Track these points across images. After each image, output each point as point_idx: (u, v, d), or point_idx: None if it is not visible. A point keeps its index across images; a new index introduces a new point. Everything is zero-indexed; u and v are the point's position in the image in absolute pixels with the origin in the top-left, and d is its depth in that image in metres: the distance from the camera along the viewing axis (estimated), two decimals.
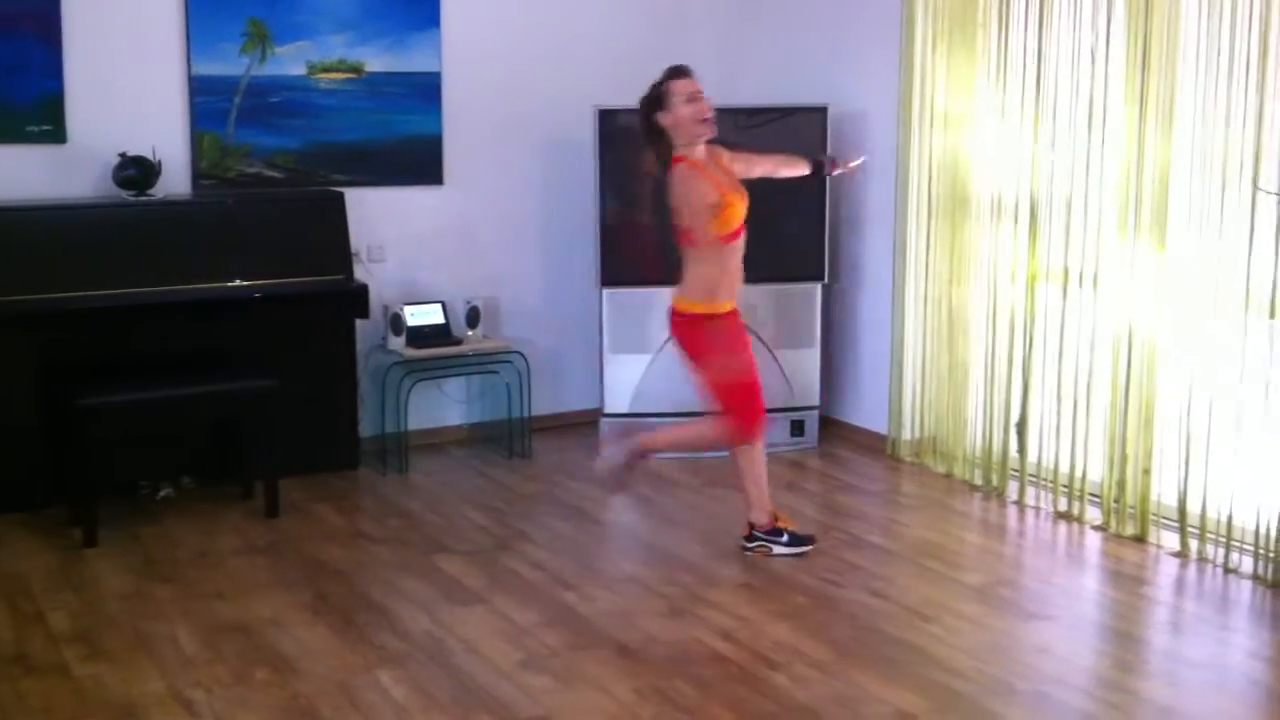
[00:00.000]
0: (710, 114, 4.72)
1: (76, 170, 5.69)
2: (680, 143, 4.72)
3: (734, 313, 4.87)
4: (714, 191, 4.68)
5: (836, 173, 5.37)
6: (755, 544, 5.01)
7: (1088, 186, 5.27)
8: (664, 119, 4.69)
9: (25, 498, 5.42)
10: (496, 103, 6.55)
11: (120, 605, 4.54)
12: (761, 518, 5.01)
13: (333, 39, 6.16)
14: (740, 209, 4.74)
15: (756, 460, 4.99)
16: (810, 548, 5.00)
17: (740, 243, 4.79)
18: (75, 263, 5.44)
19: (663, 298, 6.20)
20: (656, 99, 4.71)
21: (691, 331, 4.86)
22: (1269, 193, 4.57)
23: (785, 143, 6.26)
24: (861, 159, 5.48)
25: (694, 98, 4.69)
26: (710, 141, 4.80)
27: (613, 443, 5.37)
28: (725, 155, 4.86)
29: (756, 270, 6.23)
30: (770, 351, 6.31)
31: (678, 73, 4.73)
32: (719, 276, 4.77)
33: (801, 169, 5.19)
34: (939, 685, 3.92)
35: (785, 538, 4.98)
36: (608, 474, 5.12)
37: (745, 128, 6.38)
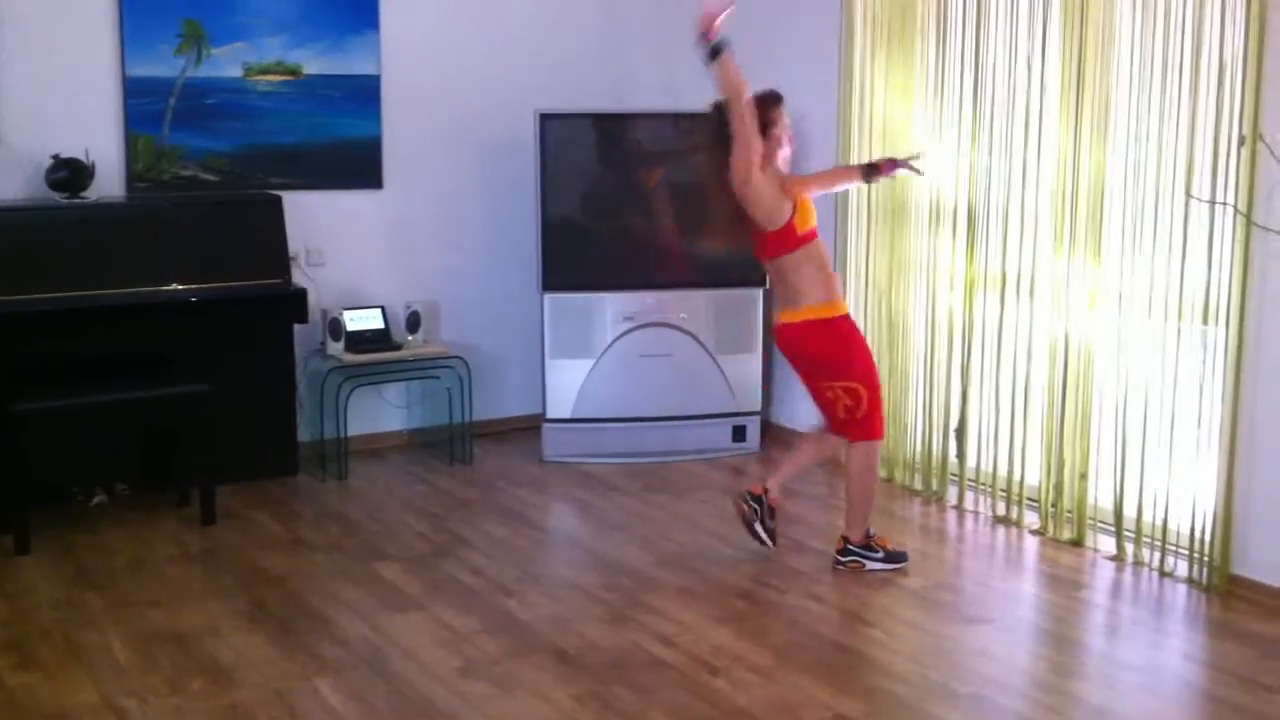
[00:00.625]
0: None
1: (8, 172, 5.59)
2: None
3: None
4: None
5: (898, 172, 5.10)
6: (849, 559, 4.92)
7: (1024, 194, 5.33)
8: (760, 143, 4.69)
9: None
10: (436, 106, 6.52)
11: (53, 614, 4.46)
12: (857, 533, 4.91)
13: (270, 41, 6.10)
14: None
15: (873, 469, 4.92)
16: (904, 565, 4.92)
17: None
18: (6, 266, 5.34)
19: (605, 302, 6.28)
20: (763, 123, 4.67)
21: (823, 337, 4.76)
22: (1201, 200, 4.63)
23: None
24: (919, 153, 5.25)
25: (789, 132, 4.77)
26: None
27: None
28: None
29: (697, 276, 6.31)
30: (712, 357, 6.34)
31: (780, 100, 4.76)
32: (827, 273, 4.75)
33: (856, 179, 5.14)
34: (879, 689, 3.94)
35: (881, 554, 4.90)
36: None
37: (686, 132, 6.38)
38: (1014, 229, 5.38)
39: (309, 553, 5.12)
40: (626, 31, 6.95)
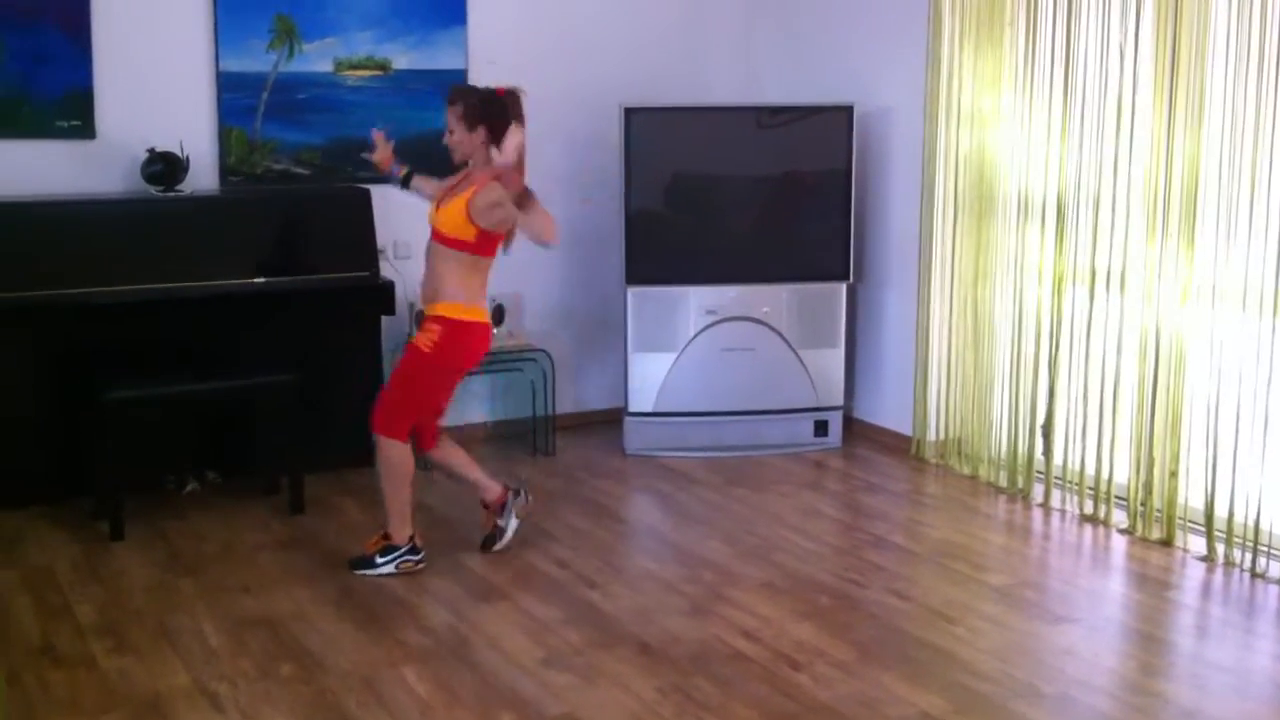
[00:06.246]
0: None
1: (105, 165, 5.72)
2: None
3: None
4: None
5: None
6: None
7: (1115, 186, 5.24)
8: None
9: (47, 491, 5.46)
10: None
11: (146, 598, 4.56)
12: None
13: (359, 36, 6.18)
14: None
15: None
16: None
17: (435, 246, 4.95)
18: (103, 257, 5.47)
19: (688, 296, 6.28)
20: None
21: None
22: None
23: (809, 142, 6.30)
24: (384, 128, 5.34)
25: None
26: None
27: None
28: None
29: (781, 270, 6.30)
30: (794, 351, 6.32)
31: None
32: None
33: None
34: (962, 687, 3.91)
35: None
36: None
37: (768, 126, 6.38)
38: (1104, 221, 5.30)
39: None
40: (710, 25, 6.94)
